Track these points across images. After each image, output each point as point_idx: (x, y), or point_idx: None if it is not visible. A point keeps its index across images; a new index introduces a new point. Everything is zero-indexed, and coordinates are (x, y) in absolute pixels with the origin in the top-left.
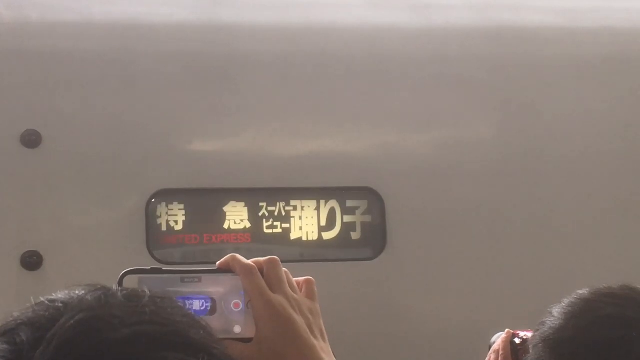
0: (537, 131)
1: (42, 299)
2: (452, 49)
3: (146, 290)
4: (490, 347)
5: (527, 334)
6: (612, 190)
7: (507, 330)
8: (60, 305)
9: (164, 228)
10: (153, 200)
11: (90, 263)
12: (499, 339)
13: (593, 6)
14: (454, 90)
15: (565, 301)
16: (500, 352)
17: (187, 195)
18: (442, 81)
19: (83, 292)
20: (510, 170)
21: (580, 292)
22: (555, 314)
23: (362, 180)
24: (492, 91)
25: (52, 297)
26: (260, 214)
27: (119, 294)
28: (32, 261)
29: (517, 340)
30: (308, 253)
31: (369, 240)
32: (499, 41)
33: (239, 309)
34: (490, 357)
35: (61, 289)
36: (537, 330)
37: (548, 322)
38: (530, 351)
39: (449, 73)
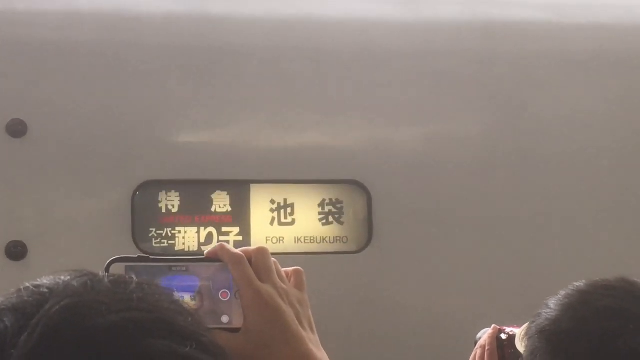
0: (526, 127)
1: (26, 284)
2: (441, 43)
3: (133, 277)
4: (476, 343)
5: (513, 330)
6: (602, 187)
7: (493, 326)
8: (46, 290)
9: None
10: (137, 192)
11: (75, 253)
12: (485, 335)
13: (582, 2)
14: (443, 85)
15: (562, 293)
16: (487, 348)
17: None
18: (431, 76)
19: (69, 277)
20: (498, 166)
21: (576, 284)
22: (552, 305)
23: (349, 173)
24: (481, 86)
25: (37, 283)
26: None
27: (106, 280)
28: (16, 251)
29: (503, 336)
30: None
31: (355, 233)
32: (488, 36)
33: (227, 298)
34: (476, 353)
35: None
36: (533, 321)
37: (544, 313)
38: (526, 342)
39: (438, 68)
